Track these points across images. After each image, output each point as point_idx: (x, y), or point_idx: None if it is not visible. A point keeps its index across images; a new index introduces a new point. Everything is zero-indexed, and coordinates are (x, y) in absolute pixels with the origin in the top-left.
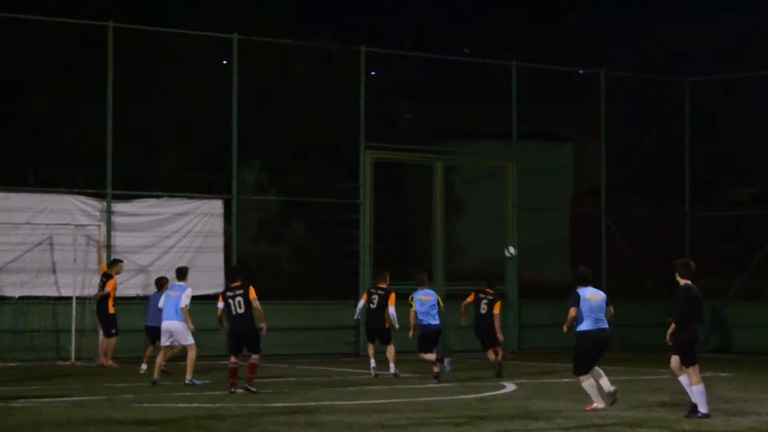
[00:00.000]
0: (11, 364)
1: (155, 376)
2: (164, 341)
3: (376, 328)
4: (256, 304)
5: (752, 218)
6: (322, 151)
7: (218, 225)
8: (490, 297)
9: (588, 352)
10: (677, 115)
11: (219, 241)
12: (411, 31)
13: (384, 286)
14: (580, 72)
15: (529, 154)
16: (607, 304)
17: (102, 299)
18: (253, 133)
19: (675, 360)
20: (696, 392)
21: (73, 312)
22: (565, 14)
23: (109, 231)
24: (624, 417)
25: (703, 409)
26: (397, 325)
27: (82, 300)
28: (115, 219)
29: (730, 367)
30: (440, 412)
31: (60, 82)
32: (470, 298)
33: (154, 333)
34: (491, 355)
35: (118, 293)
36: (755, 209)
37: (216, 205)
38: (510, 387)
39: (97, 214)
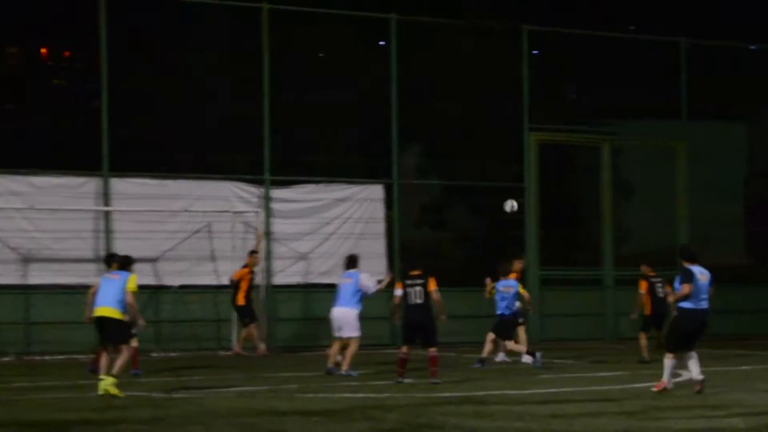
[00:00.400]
0: (172, 354)
1: (329, 364)
2: (336, 331)
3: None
4: (436, 295)
5: None
6: (485, 134)
7: (379, 210)
8: (659, 278)
9: (686, 332)
10: None
11: (380, 227)
12: (574, 7)
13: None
14: (753, 47)
15: (700, 134)
16: (710, 284)
17: (234, 289)
18: (414, 115)
19: None
20: None
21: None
22: None
23: (267, 218)
24: None
25: None
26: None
27: None
28: (274, 205)
29: None
30: (612, 401)
31: (216, 67)
32: (644, 288)
33: None
34: (644, 340)
35: (280, 281)
36: None
37: (377, 190)
38: (686, 375)
39: (256, 200)
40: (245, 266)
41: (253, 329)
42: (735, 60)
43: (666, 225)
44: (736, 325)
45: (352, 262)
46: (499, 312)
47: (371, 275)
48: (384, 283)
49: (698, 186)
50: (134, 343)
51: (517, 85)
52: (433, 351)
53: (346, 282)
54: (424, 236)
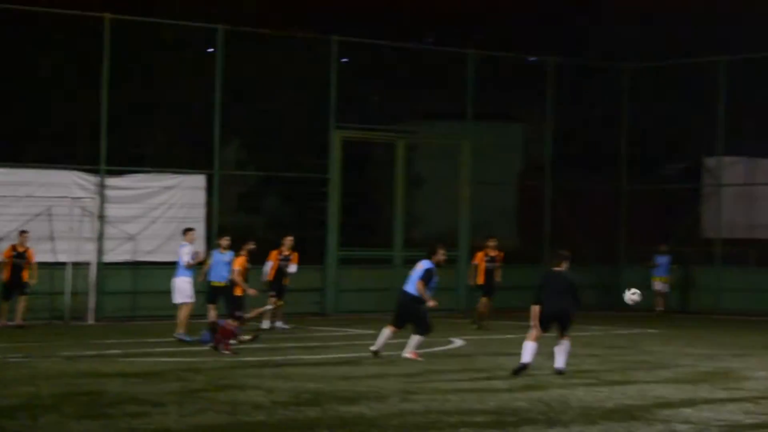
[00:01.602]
0: (9, 323)
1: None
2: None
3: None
4: (235, 274)
5: (682, 191)
6: (296, 131)
7: (201, 197)
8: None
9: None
10: (615, 98)
11: (201, 212)
12: (381, 20)
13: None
14: (532, 59)
15: (482, 133)
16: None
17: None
18: (235, 114)
19: None
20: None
21: (69, 276)
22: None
23: (102, 203)
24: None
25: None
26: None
27: (77, 265)
28: (108, 192)
29: (660, 325)
30: (394, 365)
31: (60, 68)
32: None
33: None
34: (483, 307)
35: (110, 259)
36: (686, 183)
37: (199, 180)
38: (458, 342)
39: (92, 187)
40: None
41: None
42: (515, 70)
43: (450, 212)
44: (511, 299)
45: (184, 233)
46: None
47: (191, 249)
48: (197, 259)
49: (479, 178)
50: None
51: (326, 89)
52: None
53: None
54: (240, 221)
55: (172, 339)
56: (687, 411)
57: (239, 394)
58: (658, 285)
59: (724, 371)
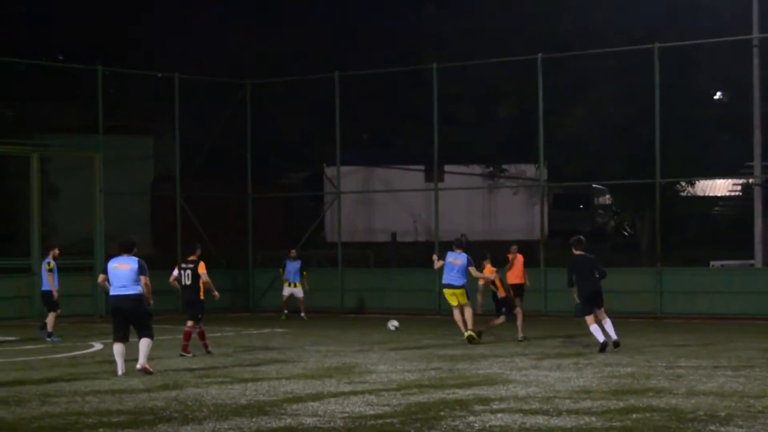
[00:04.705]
0: None
1: None
2: None
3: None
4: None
5: (303, 198)
6: None
7: None
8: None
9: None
10: (240, 111)
11: None
12: (12, 36)
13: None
14: (159, 75)
15: (114, 146)
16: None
17: None
18: None
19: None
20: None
21: None
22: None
23: None
24: (194, 367)
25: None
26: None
27: None
28: None
29: (289, 325)
30: (35, 369)
31: None
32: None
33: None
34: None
35: None
36: (308, 191)
37: None
38: (98, 346)
39: None
40: None
41: None
42: (144, 85)
43: (86, 222)
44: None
45: None
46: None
47: None
48: None
49: (112, 189)
50: None
51: None
52: None
53: None
54: None
55: None
56: (314, 404)
57: None
58: (287, 290)
59: (349, 366)
